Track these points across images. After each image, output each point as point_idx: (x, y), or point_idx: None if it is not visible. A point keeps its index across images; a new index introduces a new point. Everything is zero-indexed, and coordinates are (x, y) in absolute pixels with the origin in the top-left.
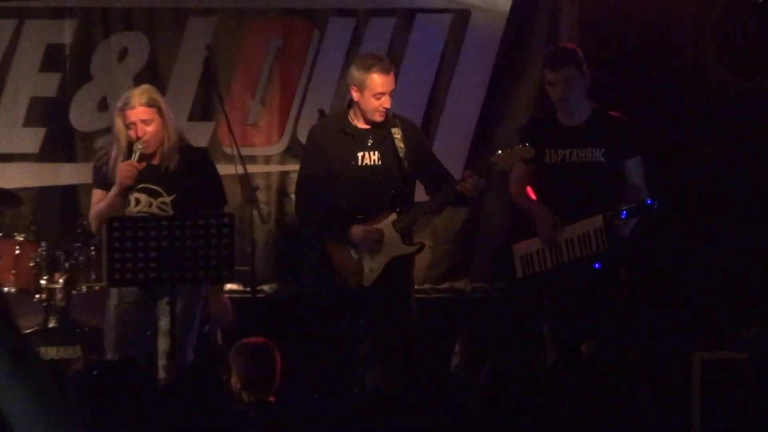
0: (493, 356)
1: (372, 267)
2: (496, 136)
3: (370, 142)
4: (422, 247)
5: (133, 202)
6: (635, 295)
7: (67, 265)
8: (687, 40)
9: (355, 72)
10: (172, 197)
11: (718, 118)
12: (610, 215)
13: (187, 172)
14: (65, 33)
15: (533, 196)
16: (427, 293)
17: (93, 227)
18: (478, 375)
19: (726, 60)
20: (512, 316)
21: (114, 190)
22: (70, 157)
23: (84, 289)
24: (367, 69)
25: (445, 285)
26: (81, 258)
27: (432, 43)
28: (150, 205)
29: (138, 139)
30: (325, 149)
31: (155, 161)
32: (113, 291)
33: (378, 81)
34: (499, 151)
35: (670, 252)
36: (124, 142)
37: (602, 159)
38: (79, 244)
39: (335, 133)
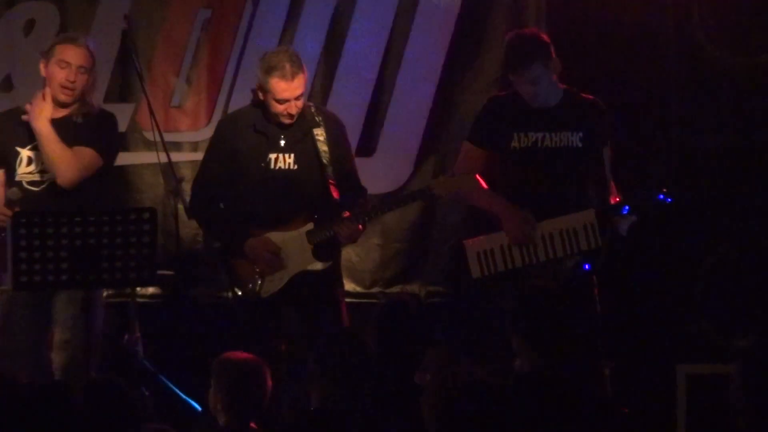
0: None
1: (272, 279)
2: (454, 119)
3: (283, 143)
4: (333, 264)
5: (25, 161)
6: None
7: None
8: (669, 18)
9: (258, 71)
10: None
11: (706, 101)
12: (607, 209)
13: (87, 124)
14: None
15: (486, 187)
16: (376, 298)
17: None
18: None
19: (716, 36)
20: (470, 322)
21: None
22: None
23: None
24: (268, 72)
25: (396, 288)
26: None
27: (380, 15)
28: (40, 162)
29: (68, 85)
30: (232, 147)
31: (60, 114)
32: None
33: (278, 87)
34: (440, 177)
35: (652, 257)
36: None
37: (580, 144)
38: None
39: (245, 129)
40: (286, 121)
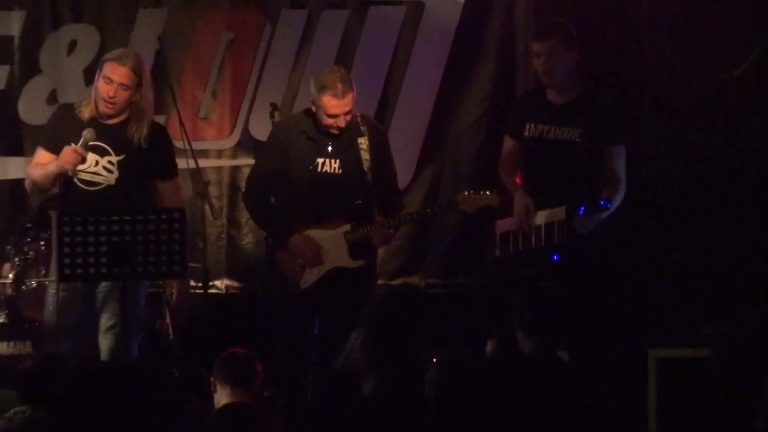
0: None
1: (311, 272)
2: (451, 130)
3: (330, 149)
4: (367, 263)
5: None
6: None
7: (16, 260)
8: (644, 35)
9: (312, 88)
10: (120, 157)
11: (677, 113)
12: (571, 207)
13: (159, 154)
14: (13, 25)
15: (518, 181)
16: (380, 289)
17: (27, 186)
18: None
19: (686, 53)
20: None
21: (53, 167)
22: (18, 151)
23: (34, 284)
24: (321, 90)
25: (399, 281)
26: (31, 253)
27: (386, 35)
28: (96, 163)
29: (108, 99)
30: (286, 148)
31: (112, 122)
32: (52, 282)
33: (330, 104)
34: (465, 192)
35: (625, 251)
36: (90, 108)
37: (577, 139)
38: (29, 239)
39: (298, 134)
40: (335, 132)
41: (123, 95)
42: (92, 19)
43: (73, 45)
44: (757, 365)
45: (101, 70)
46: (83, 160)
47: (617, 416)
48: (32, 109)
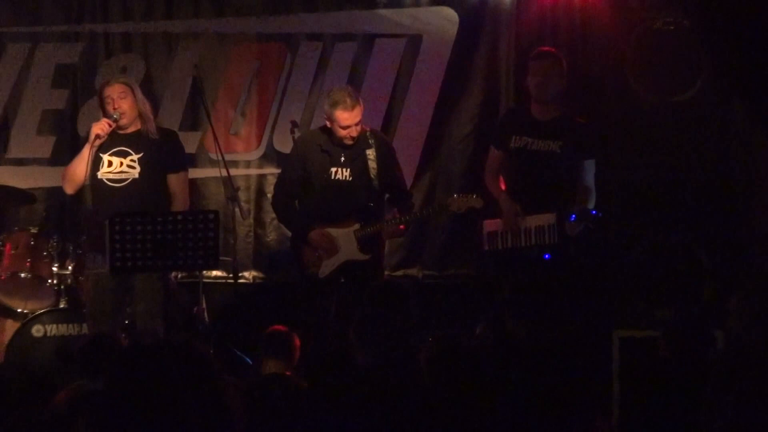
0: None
1: (327, 263)
2: (444, 144)
3: (342, 159)
4: (373, 257)
5: (105, 165)
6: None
7: (75, 253)
8: (607, 66)
9: (325, 106)
10: (139, 155)
11: (638, 131)
12: (562, 214)
13: (155, 139)
14: (73, 54)
15: (503, 187)
16: (384, 279)
17: (63, 185)
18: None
19: (643, 80)
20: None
21: (85, 147)
22: None
23: (89, 275)
24: (333, 106)
25: (400, 272)
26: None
27: (389, 64)
28: (121, 164)
29: (114, 110)
30: (305, 159)
31: (129, 131)
32: (91, 273)
33: (342, 117)
34: (455, 195)
35: (594, 246)
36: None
37: (558, 151)
38: (85, 236)
39: (315, 148)
40: (349, 142)
41: (123, 104)
42: (139, 50)
43: (123, 71)
44: (699, 341)
45: (102, 96)
46: (108, 128)
47: (587, 385)
48: (89, 125)
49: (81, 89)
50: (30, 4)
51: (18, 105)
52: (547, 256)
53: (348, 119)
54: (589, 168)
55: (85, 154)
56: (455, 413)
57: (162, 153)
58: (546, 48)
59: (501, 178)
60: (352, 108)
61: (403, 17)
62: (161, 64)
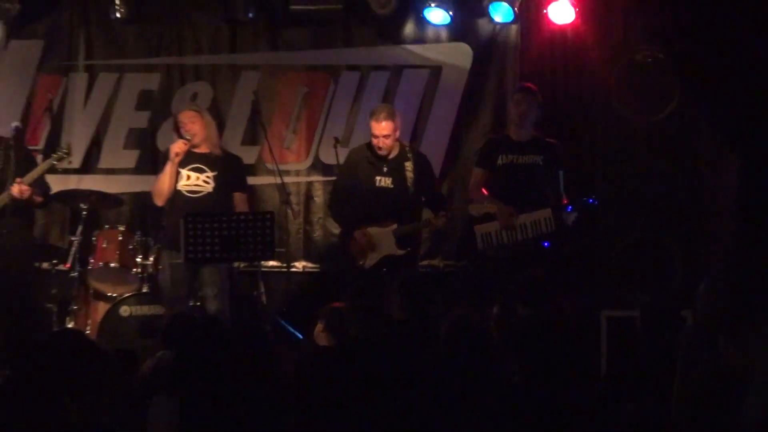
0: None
1: (371, 256)
2: (460, 157)
3: (385, 169)
4: (410, 252)
5: (184, 178)
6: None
7: (155, 247)
8: (597, 90)
9: (368, 118)
10: (214, 173)
11: (621, 145)
12: (558, 207)
13: (224, 160)
14: (153, 82)
15: (486, 193)
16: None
17: (154, 199)
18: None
19: (626, 103)
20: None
21: (167, 165)
22: (156, 171)
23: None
24: (371, 116)
25: (425, 262)
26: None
27: (415, 89)
28: (197, 178)
29: (186, 131)
30: (354, 169)
31: (202, 150)
32: (165, 262)
33: (372, 126)
34: (455, 205)
35: (586, 233)
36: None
37: (540, 163)
38: (163, 235)
39: (362, 159)
40: (380, 152)
41: (194, 127)
42: (208, 79)
43: (194, 96)
44: (672, 320)
45: (176, 121)
46: (184, 147)
47: (579, 358)
48: (166, 141)
49: (159, 111)
50: (117, 41)
51: (108, 124)
52: (546, 244)
53: (376, 129)
54: (561, 178)
55: (169, 171)
56: (466, 375)
57: (232, 174)
58: (527, 84)
59: (483, 189)
60: (383, 120)
61: (427, 51)
62: (226, 90)
